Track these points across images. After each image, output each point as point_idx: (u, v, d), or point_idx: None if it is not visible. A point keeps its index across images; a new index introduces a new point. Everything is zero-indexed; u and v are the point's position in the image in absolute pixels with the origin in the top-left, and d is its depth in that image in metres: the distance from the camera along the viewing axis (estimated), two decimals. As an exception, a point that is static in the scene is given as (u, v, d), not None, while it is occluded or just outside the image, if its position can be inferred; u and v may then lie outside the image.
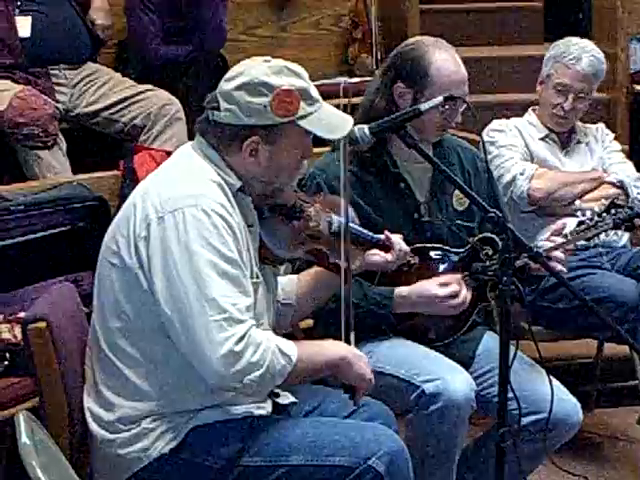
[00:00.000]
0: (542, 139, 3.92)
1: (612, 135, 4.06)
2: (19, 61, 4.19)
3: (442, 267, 2.98)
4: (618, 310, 3.50)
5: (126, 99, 4.28)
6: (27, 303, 3.25)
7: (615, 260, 3.81)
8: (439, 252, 2.99)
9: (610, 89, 5.27)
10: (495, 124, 3.93)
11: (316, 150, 2.57)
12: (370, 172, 3.00)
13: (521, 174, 3.77)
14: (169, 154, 3.04)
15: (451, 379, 2.77)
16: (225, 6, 4.78)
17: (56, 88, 4.25)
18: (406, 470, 2.46)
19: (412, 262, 2.81)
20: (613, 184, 3.84)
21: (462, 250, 3.00)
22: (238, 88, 2.41)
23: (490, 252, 2.96)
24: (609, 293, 3.56)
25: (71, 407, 2.51)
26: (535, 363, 2.96)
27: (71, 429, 2.51)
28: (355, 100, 3.21)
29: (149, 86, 4.36)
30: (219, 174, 2.45)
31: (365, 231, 2.73)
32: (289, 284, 2.77)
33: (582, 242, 3.24)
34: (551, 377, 2.71)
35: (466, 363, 2.94)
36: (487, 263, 2.94)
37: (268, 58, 2.48)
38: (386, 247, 2.74)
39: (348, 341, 2.51)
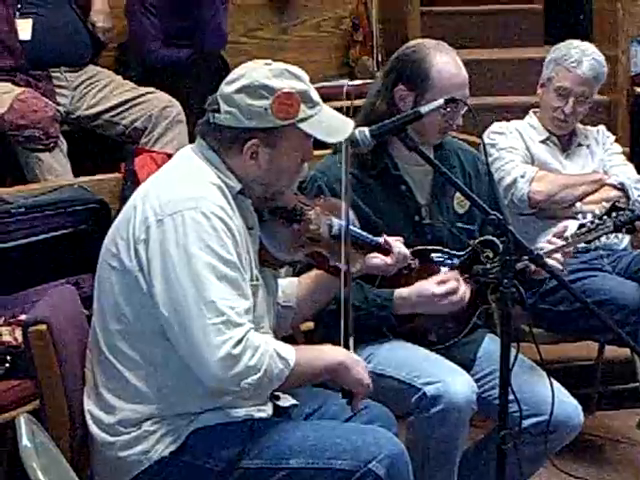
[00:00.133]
0: (543, 142, 3.92)
1: (613, 137, 4.06)
2: (20, 64, 4.19)
3: (443, 270, 2.98)
4: (619, 313, 3.50)
5: (127, 101, 4.28)
6: (28, 306, 3.25)
7: (616, 263, 3.80)
8: (440, 254, 2.99)
9: (611, 91, 5.26)
10: (496, 126, 3.92)
11: (317, 153, 2.57)
12: (371, 175, 3.00)
13: (522, 177, 3.77)
14: (170, 156, 3.04)
15: (452, 381, 2.76)
16: (225, 8, 4.79)
17: (57, 90, 4.25)
18: (406, 473, 2.46)
19: (413, 265, 2.81)
20: (614, 186, 3.84)
21: (463, 252, 2.99)
22: (239, 91, 2.41)
23: (491, 255, 2.95)
24: (610, 296, 3.55)
25: (72, 410, 2.50)
26: (536, 365, 2.96)
27: (72, 432, 2.51)
28: (357, 102, 3.21)
29: (150, 88, 4.35)
30: (219, 177, 2.45)
31: (365, 234, 2.73)
32: (289, 287, 2.76)
33: (583, 245, 3.23)
34: (552, 379, 2.71)
35: (467, 365, 2.94)
36: (488, 266, 2.94)
37: (269, 61, 2.48)
38: (386, 250, 2.74)
39: (347, 345, 2.50)
